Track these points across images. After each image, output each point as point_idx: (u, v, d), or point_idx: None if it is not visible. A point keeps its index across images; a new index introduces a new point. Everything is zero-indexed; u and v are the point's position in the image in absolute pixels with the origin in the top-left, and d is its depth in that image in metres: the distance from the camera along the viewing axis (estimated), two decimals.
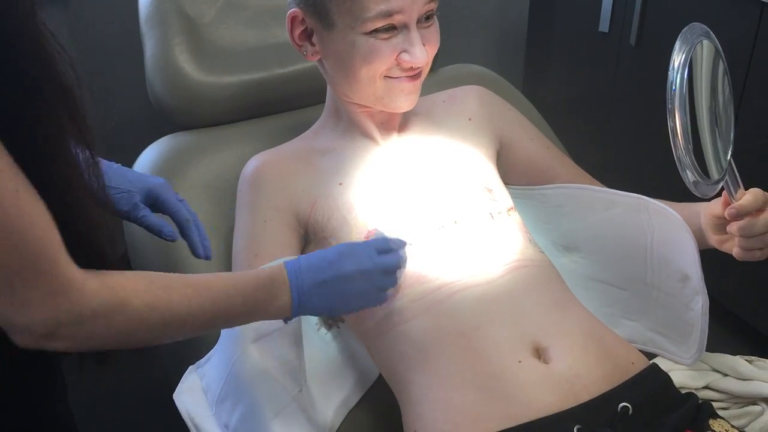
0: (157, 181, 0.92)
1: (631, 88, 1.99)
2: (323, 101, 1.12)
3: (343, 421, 1.02)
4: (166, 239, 0.89)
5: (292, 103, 1.32)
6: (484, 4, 2.40)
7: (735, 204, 0.83)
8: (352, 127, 1.08)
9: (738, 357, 1.10)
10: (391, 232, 0.94)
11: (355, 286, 0.85)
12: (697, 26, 0.85)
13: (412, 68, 0.99)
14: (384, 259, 0.86)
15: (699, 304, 0.94)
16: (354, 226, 0.99)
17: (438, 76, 1.43)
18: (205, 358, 0.98)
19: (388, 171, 1.05)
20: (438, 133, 1.10)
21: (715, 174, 0.83)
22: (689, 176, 0.83)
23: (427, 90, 1.23)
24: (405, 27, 0.96)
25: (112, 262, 0.67)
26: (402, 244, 0.90)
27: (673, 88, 0.81)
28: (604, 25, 2.00)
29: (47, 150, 0.59)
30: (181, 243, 0.91)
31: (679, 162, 0.82)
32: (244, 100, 1.29)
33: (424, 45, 0.97)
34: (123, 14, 1.40)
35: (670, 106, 0.81)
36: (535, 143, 1.16)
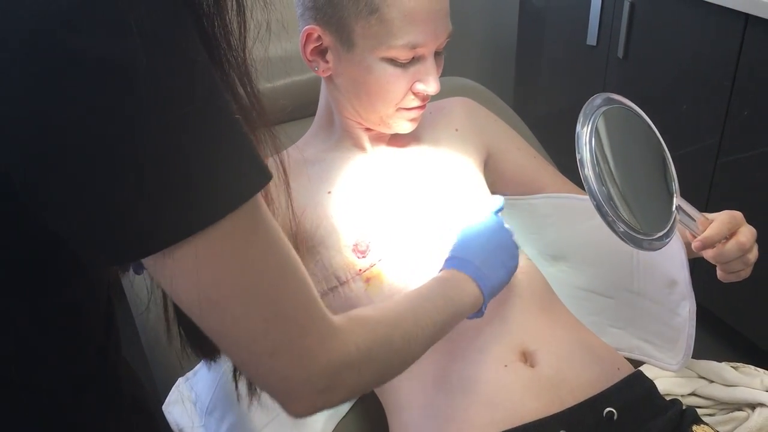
0: None
1: None
2: (313, 114, 1.13)
3: (333, 431, 1.02)
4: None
5: (290, 115, 1.32)
6: (474, 17, 2.43)
7: (700, 237, 0.83)
8: (344, 139, 1.08)
9: (724, 364, 1.10)
10: (382, 238, 0.95)
11: (503, 243, 0.90)
12: (598, 98, 0.85)
13: (424, 97, 1.00)
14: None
15: (686, 309, 0.94)
16: (342, 234, 1.00)
17: None
18: (194, 370, 0.99)
19: (377, 179, 1.06)
20: (425, 143, 1.11)
21: (663, 226, 0.82)
22: (636, 238, 0.81)
23: None
24: (422, 57, 0.96)
25: None
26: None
27: (585, 169, 0.81)
28: (591, 38, 2.03)
29: None
30: None
31: (618, 232, 0.80)
32: None
33: None
34: None
35: (589, 187, 0.81)
36: (522, 153, 1.17)
